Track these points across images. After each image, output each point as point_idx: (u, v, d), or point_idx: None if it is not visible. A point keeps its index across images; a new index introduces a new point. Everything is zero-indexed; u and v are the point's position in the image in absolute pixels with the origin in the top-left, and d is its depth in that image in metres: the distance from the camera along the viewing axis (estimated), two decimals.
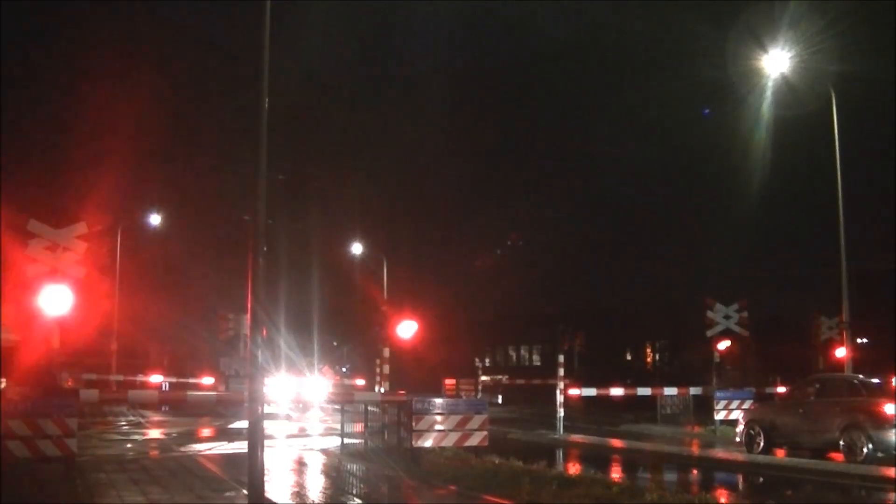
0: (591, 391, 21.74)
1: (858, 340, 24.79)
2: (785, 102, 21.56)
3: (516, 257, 50.78)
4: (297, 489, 11.47)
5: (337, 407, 19.59)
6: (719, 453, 17.04)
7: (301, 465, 14.28)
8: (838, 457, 14.65)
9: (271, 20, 8.85)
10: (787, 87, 20.67)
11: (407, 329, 20.50)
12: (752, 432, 16.51)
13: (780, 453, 16.20)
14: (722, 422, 20.59)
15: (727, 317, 21.33)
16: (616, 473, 13.78)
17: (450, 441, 13.65)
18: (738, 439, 17.13)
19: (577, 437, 19.87)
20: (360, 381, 35.60)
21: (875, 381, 15.58)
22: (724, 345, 22.17)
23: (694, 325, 23.82)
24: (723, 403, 20.57)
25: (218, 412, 26.47)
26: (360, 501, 10.53)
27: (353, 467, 13.42)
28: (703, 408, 22.28)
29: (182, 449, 16.33)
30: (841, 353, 23.11)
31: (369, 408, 17.34)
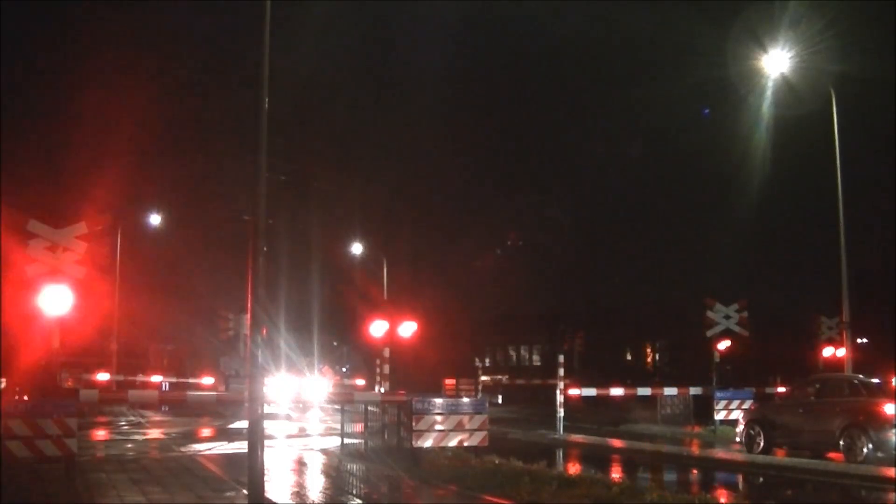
0: (591, 391, 21.73)
1: (858, 340, 24.82)
2: (785, 102, 21.56)
3: (516, 257, 50.78)
4: (297, 489, 11.47)
5: (337, 407, 19.58)
6: (719, 453, 17.03)
7: (301, 465, 14.27)
8: (838, 457, 14.65)
9: (271, 20, 8.85)
10: (787, 87, 20.67)
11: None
12: (752, 432, 16.51)
13: (780, 453, 16.20)
14: (722, 422, 20.58)
15: (727, 317, 21.32)
16: (616, 473, 13.78)
17: (450, 441, 13.65)
18: (738, 439, 17.14)
19: (577, 437, 19.87)
20: (360, 381, 35.60)
21: (875, 381, 15.60)
22: (724, 345, 22.15)
23: (694, 324, 23.82)
24: (723, 403, 20.57)
25: (218, 412, 26.48)
26: (360, 501, 10.53)
27: (353, 467, 13.41)
28: (703, 408, 22.27)
29: (182, 449, 16.32)
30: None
31: (369, 408, 17.33)
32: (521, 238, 50.32)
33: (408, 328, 21.20)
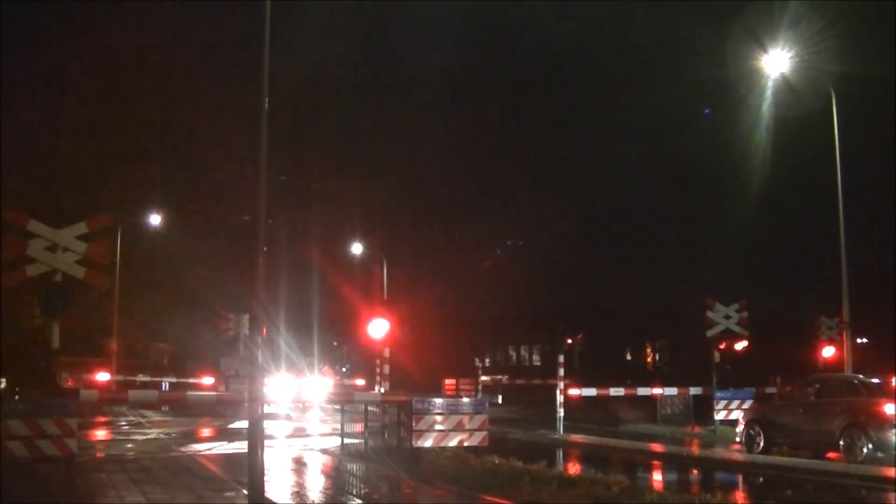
0: (591, 391, 21.74)
1: (858, 340, 24.81)
2: (785, 102, 21.55)
3: (516, 257, 50.78)
4: (297, 489, 11.47)
5: (337, 407, 19.58)
6: (719, 453, 17.04)
7: (301, 465, 14.28)
8: (838, 457, 14.65)
9: (271, 20, 8.85)
10: (787, 87, 20.66)
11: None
12: (752, 432, 16.51)
13: (781, 453, 16.20)
14: (722, 422, 20.58)
15: (727, 317, 21.31)
16: (616, 473, 13.77)
17: (450, 441, 13.65)
18: (738, 439, 17.14)
19: (577, 437, 19.87)
20: (360, 381, 35.61)
21: (875, 381, 15.59)
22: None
23: (694, 324, 23.84)
24: (723, 403, 20.57)
25: (218, 412, 26.48)
26: (360, 501, 10.53)
27: (353, 467, 13.41)
28: (703, 408, 22.28)
29: (182, 449, 16.32)
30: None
31: (369, 408, 17.34)
32: (521, 238, 50.36)
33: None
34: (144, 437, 19.50)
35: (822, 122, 21.05)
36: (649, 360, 47.00)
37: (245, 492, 9.36)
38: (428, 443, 13.54)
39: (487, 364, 48.56)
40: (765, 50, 20.07)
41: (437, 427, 13.56)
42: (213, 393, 25.14)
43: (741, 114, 26.09)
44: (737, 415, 19.20)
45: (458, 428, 13.67)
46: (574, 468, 14.63)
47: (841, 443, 14.58)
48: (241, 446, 13.20)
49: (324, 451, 16.13)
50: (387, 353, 20.64)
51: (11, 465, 10.80)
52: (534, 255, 52.28)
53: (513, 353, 53.20)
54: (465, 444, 13.74)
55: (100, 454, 15.01)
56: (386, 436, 16.36)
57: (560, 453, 17.87)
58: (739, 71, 21.41)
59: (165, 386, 33.20)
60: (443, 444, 13.67)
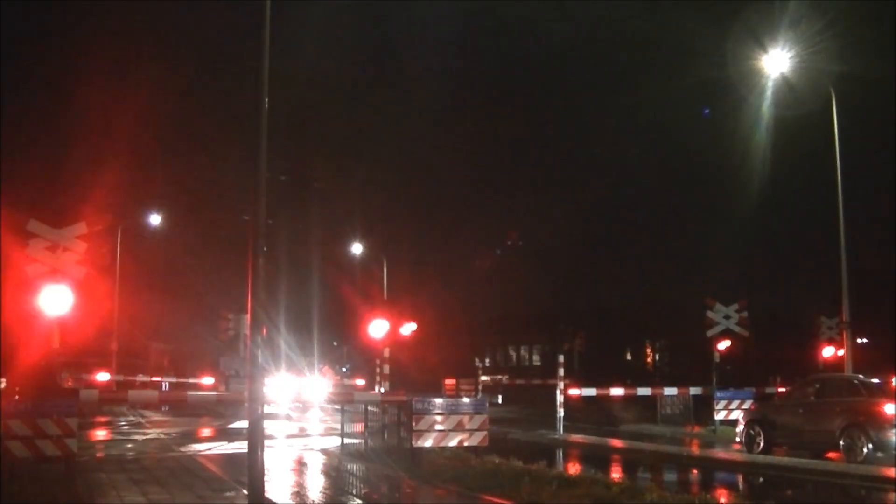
0: (591, 391, 21.74)
1: (858, 340, 24.81)
2: (785, 102, 21.54)
3: (516, 257, 50.80)
4: (297, 489, 11.47)
5: (337, 407, 19.59)
6: (719, 453, 17.04)
7: (301, 465, 14.28)
8: (838, 457, 14.65)
9: (271, 20, 8.85)
10: (787, 87, 20.65)
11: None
12: (752, 432, 16.51)
13: (780, 453, 16.20)
14: (722, 422, 20.59)
15: (727, 317, 21.32)
16: (616, 473, 13.78)
17: (450, 441, 13.65)
18: (738, 439, 17.14)
19: (577, 437, 19.87)
20: (360, 381, 35.63)
21: (875, 381, 15.59)
22: (723, 344, 22.14)
23: (694, 324, 23.85)
24: (723, 403, 20.58)
25: (218, 412, 26.48)
26: (360, 501, 10.53)
27: (353, 467, 13.42)
28: (703, 408, 22.28)
29: (182, 449, 16.32)
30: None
31: (369, 408, 17.33)
32: (521, 238, 50.35)
33: (408, 328, 21.24)
34: (144, 437, 19.50)
35: (822, 122, 21.06)
36: (649, 360, 47.04)
37: (245, 492, 9.36)
38: (428, 443, 13.54)
39: (487, 364, 48.57)
40: (765, 50, 20.06)
41: (437, 427, 13.56)
42: (213, 393, 25.17)
43: (741, 114, 26.08)
44: (737, 415, 19.20)
45: (458, 428, 13.67)
46: (574, 468, 14.63)
47: (841, 443, 14.58)
48: (241, 446, 13.20)
49: (324, 451, 16.13)
50: (387, 353, 20.67)
51: (11, 465, 10.79)
52: (534, 255, 52.29)
53: (513, 353, 53.23)
54: (465, 444, 13.74)
55: (100, 454, 15.01)
56: (386, 436, 16.38)
57: (560, 453, 17.86)
58: (739, 71, 21.40)
59: (165, 386, 33.26)
60: (443, 444, 13.67)
